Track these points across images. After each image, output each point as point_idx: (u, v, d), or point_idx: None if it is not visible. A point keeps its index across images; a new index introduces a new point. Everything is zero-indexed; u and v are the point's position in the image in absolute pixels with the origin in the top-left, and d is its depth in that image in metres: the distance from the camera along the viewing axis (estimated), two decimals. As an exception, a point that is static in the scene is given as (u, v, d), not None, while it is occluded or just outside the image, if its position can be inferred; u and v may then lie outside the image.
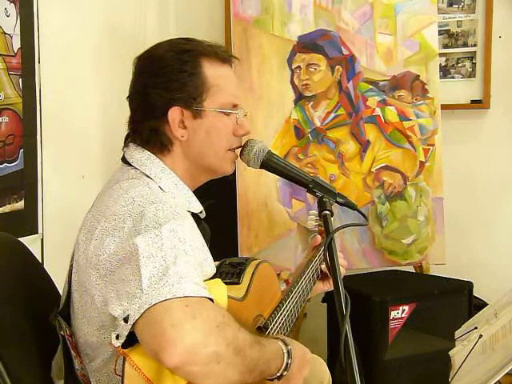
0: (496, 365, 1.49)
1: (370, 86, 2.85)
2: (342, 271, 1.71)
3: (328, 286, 1.88)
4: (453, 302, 2.77)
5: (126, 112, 1.53)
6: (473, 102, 3.21)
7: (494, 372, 1.47)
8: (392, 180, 2.85)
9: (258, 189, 2.80)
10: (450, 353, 1.76)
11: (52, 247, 2.25)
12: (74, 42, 2.41)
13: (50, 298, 1.56)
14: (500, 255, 3.21)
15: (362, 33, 2.85)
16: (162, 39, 1.54)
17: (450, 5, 3.22)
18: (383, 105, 2.85)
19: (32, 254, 1.64)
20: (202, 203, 1.54)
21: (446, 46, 3.22)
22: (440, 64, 3.06)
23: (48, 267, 1.71)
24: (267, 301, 1.59)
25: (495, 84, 3.18)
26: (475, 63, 3.21)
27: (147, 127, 1.48)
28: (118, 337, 1.19)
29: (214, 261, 1.49)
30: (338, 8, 2.85)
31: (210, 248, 1.47)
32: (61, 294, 1.50)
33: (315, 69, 2.84)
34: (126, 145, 1.53)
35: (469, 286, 2.79)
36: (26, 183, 2.17)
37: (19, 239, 1.67)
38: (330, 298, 2.74)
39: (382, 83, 2.85)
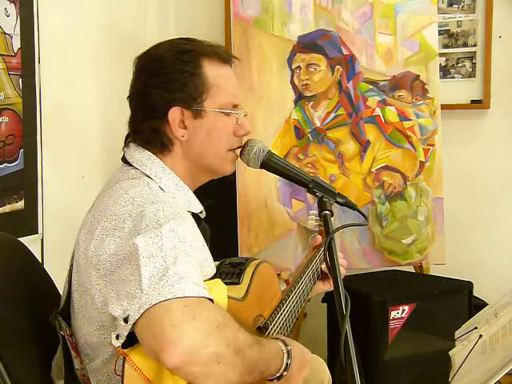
0: (496, 365, 1.49)
1: (370, 86, 2.85)
2: (342, 271, 1.70)
3: (328, 286, 1.88)
4: (453, 301, 2.77)
5: (126, 112, 1.53)
6: (473, 101, 3.21)
7: (494, 372, 1.47)
8: (392, 180, 2.85)
9: (258, 189, 2.80)
10: (450, 353, 1.76)
11: (52, 247, 2.25)
12: (74, 41, 2.41)
13: (50, 298, 1.56)
14: (500, 255, 3.21)
15: (362, 33, 2.85)
16: (162, 39, 1.54)
17: (450, 5, 3.22)
18: (383, 105, 2.85)
19: (32, 254, 1.64)
20: (202, 203, 1.54)
21: (445, 46, 3.22)
22: (440, 64, 3.06)
23: (48, 267, 1.71)
24: (267, 301, 1.59)
25: (495, 84, 3.18)
26: (475, 63, 3.21)
27: (147, 127, 1.48)
28: (117, 337, 1.19)
29: (214, 261, 1.49)
30: (338, 8, 2.85)
31: (210, 248, 1.47)
32: (61, 293, 1.51)
33: (315, 69, 2.83)
34: (126, 145, 1.53)
35: (469, 286, 2.78)
36: (26, 183, 2.17)
37: (19, 239, 1.67)
38: (330, 298, 2.74)
39: (382, 83, 2.85)
